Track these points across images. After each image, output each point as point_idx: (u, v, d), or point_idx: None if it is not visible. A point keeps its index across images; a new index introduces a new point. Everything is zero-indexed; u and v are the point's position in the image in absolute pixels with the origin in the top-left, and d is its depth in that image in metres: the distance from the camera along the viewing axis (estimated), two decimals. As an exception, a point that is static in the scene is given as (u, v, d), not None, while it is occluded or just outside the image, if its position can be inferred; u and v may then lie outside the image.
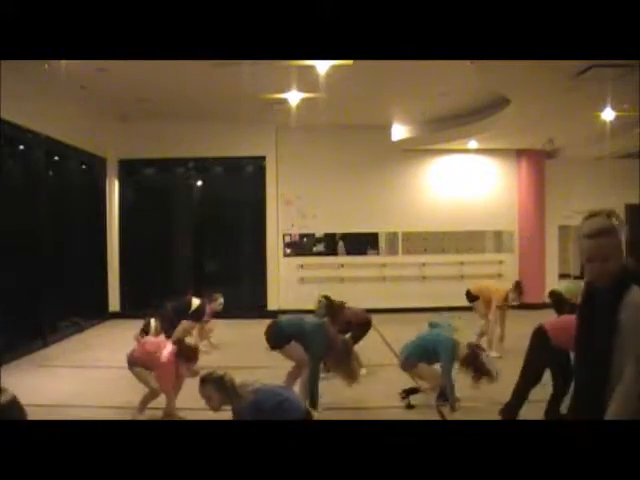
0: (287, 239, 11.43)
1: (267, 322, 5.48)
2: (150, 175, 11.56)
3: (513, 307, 7.96)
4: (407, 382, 5.63)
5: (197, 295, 7.74)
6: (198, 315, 7.52)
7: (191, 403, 4.42)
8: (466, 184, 11.62)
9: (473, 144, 10.84)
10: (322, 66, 6.77)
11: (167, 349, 4.96)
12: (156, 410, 4.98)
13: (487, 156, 11.61)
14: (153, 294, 9.59)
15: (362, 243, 11.54)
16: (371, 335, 7.10)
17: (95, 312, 10.21)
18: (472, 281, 8.82)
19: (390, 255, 11.56)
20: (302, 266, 11.28)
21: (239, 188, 11.48)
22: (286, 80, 7.69)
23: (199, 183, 11.54)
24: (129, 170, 11.22)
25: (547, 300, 7.19)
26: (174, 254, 11.50)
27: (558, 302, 7.54)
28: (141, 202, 11.33)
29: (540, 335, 4.41)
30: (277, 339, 5.23)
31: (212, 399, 3.43)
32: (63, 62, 6.29)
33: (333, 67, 6.79)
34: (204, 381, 3.48)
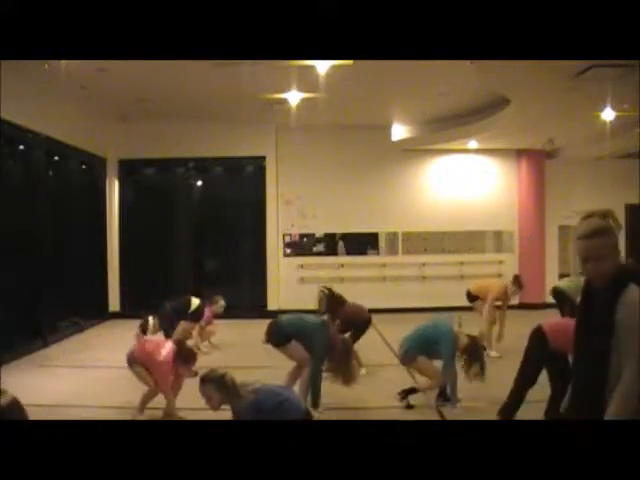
0: (287, 239, 11.43)
1: (267, 322, 5.48)
2: (150, 175, 11.56)
3: (513, 307, 7.95)
4: (407, 382, 5.63)
5: (197, 295, 7.74)
6: (197, 315, 7.51)
7: (191, 403, 4.42)
8: (466, 184, 11.62)
9: (473, 144, 10.84)
10: (322, 66, 6.77)
11: (165, 349, 4.96)
12: (156, 410, 4.98)
13: (487, 156, 11.61)
14: (153, 294, 9.58)
15: (362, 243, 11.54)
16: (371, 335, 7.11)
17: (95, 312, 10.22)
18: (472, 281, 8.81)
19: (390, 255, 11.56)
20: (302, 266, 11.28)
21: (239, 188, 11.48)
22: (286, 80, 7.69)
23: (199, 183, 11.55)
24: (129, 170, 11.22)
25: (547, 300, 7.20)
26: (174, 254, 11.50)
27: (560, 299, 7.55)
28: (141, 202, 11.34)
29: (538, 336, 4.40)
30: (277, 338, 5.24)
31: (212, 398, 3.43)
32: (63, 62, 6.29)
33: (333, 67, 6.79)
34: (204, 380, 3.47)
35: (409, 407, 5.24)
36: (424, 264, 11.48)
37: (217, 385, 3.40)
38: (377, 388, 5.92)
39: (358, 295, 7.17)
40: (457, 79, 7.70)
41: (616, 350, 2.06)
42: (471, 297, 7.92)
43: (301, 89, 8.07)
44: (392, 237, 11.59)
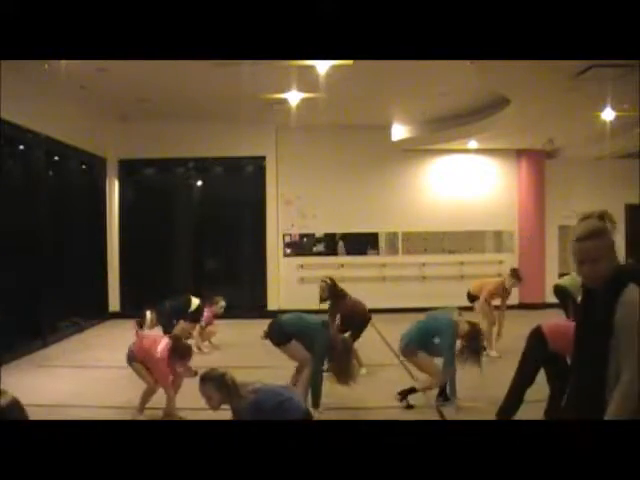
0: (287, 239, 11.43)
1: (267, 322, 5.48)
2: (150, 175, 11.56)
3: (513, 307, 7.94)
4: (407, 382, 5.63)
5: (197, 295, 7.74)
6: (197, 315, 7.52)
7: (191, 403, 4.42)
8: (466, 184, 11.62)
9: (473, 144, 10.85)
10: (322, 66, 6.77)
11: (162, 344, 4.97)
12: (156, 410, 4.98)
13: (487, 156, 11.61)
14: (153, 294, 9.56)
15: (362, 243, 11.54)
16: (371, 335, 7.11)
17: (95, 312, 10.22)
18: (472, 281, 8.81)
19: (390, 255, 11.57)
20: (302, 266, 11.28)
21: (239, 188, 11.48)
22: (286, 80, 7.69)
23: (199, 183, 11.56)
24: (129, 170, 11.22)
25: (547, 300, 7.19)
26: (174, 254, 11.49)
27: (563, 296, 7.54)
28: (141, 202, 11.34)
29: (537, 337, 4.38)
30: (278, 337, 5.25)
31: (212, 398, 3.42)
32: (63, 62, 6.29)
33: (333, 67, 6.79)
34: (204, 380, 3.46)
35: (409, 407, 5.24)
36: (424, 264, 11.49)
37: (217, 385, 3.39)
38: (377, 388, 5.92)
39: (358, 295, 7.19)
40: (457, 79, 7.70)
41: (615, 350, 2.06)
42: (471, 297, 7.93)
43: (301, 89, 8.07)
44: (392, 237, 11.59)
